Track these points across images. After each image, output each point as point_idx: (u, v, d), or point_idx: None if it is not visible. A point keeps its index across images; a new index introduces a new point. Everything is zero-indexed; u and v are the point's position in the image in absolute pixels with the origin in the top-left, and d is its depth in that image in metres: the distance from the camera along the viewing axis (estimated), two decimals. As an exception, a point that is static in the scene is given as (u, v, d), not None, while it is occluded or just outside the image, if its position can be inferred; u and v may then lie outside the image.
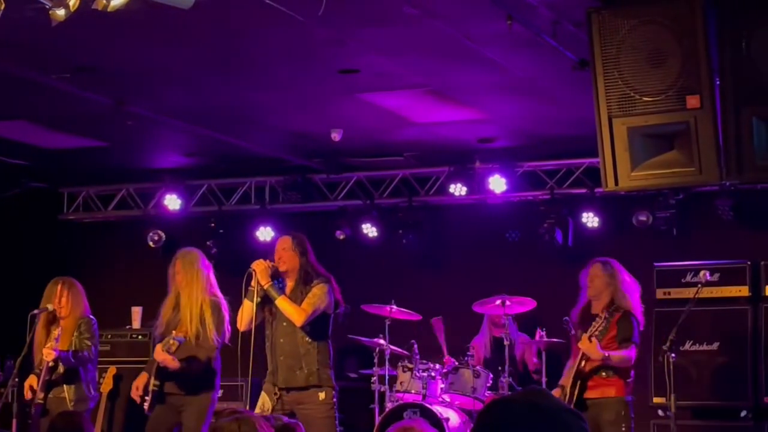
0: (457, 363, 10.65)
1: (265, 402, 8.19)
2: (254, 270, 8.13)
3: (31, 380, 8.90)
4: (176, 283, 8.65)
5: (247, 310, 8.13)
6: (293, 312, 8.06)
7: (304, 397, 8.13)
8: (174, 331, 8.34)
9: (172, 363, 8.31)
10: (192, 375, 8.44)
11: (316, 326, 8.16)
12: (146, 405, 8.45)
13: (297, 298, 8.13)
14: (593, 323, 8.60)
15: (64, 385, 8.87)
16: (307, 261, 8.27)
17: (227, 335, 8.57)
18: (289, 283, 8.24)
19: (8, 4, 5.90)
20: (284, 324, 8.16)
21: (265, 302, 8.20)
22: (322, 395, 8.14)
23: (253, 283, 8.12)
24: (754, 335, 10.46)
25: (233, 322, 8.39)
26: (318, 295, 8.13)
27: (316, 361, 8.13)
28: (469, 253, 12.65)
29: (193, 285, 8.58)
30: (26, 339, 8.61)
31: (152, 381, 8.42)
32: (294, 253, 8.24)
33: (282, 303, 8.09)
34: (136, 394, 8.59)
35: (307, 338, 8.13)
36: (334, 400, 8.20)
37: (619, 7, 6.75)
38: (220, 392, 8.80)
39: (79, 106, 10.00)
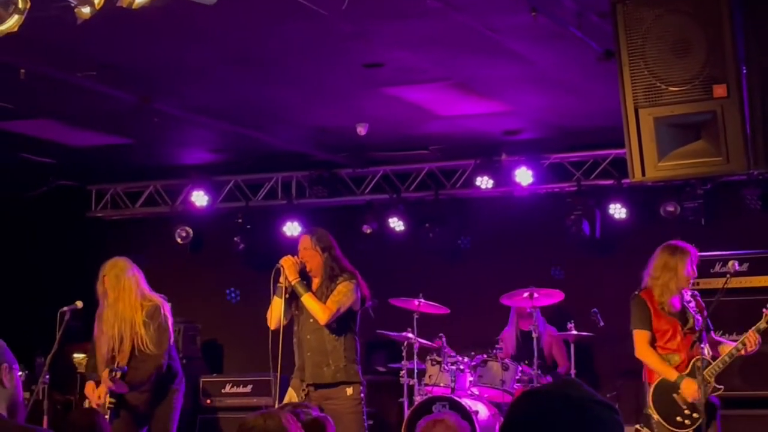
0: (485, 356, 10.64)
1: (292, 397, 8.17)
2: (282, 266, 8.11)
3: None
4: (107, 300, 8.44)
5: (276, 307, 8.11)
6: (318, 310, 8.03)
7: (332, 393, 8.11)
8: (117, 360, 8.20)
9: (121, 389, 8.18)
10: (145, 391, 8.32)
11: (342, 322, 8.14)
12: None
13: (323, 294, 8.10)
14: (686, 306, 8.11)
15: None
16: (330, 257, 8.19)
17: (172, 337, 8.50)
18: (315, 281, 8.21)
19: (34, 3, 5.93)
20: (311, 321, 8.13)
21: (293, 299, 8.19)
22: (350, 391, 8.12)
23: (281, 279, 8.10)
24: (784, 325, 10.40)
25: (269, 317, 8.25)
26: (343, 293, 8.09)
27: (343, 357, 8.11)
28: (496, 245, 12.64)
29: (121, 300, 8.36)
30: (56, 336, 8.63)
31: (107, 399, 8.28)
32: (315, 251, 8.18)
33: (308, 300, 8.06)
34: (97, 402, 8.47)
35: (333, 335, 8.11)
36: (362, 395, 8.18)
37: (644, -4, 6.72)
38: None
39: (105, 104, 10.05)
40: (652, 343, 8.06)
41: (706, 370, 7.90)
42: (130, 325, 8.27)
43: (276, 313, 8.09)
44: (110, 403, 8.24)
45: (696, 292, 8.26)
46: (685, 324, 8.03)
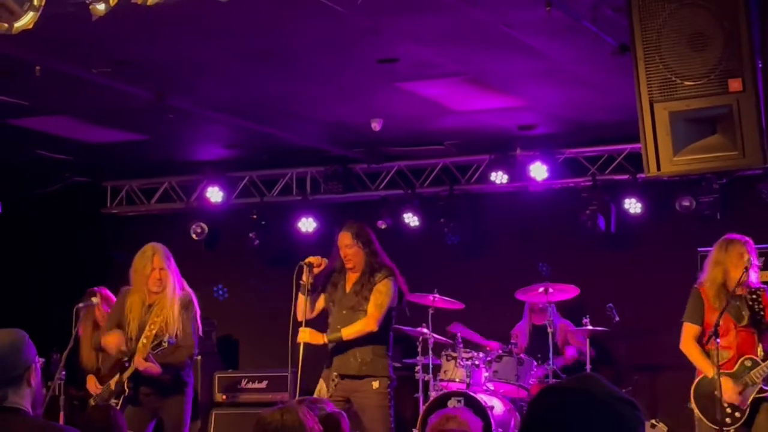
0: (501, 351, 10.64)
1: (322, 389, 8.25)
2: (309, 263, 8.15)
3: (94, 381, 8.78)
4: (152, 281, 8.35)
5: (301, 304, 8.21)
6: (363, 328, 8.10)
7: (358, 386, 8.18)
8: (166, 334, 8.15)
9: (155, 369, 8.13)
10: (172, 377, 8.33)
11: None
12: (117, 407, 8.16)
13: (362, 287, 8.17)
14: (735, 303, 7.91)
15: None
16: (372, 251, 8.25)
17: (200, 329, 8.52)
18: (354, 276, 8.25)
19: (49, 0, 5.94)
20: (344, 312, 8.20)
21: (325, 290, 8.29)
22: (376, 384, 8.15)
23: (303, 278, 8.15)
24: (802, 319, 10.36)
25: (298, 312, 8.29)
26: (384, 292, 8.16)
27: (370, 351, 8.16)
28: (511, 240, 12.62)
29: (169, 284, 8.35)
30: (72, 333, 8.65)
31: (126, 384, 8.29)
32: (358, 247, 8.23)
33: (348, 333, 8.11)
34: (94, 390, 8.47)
35: None
36: (389, 389, 8.21)
37: (659, -10, 6.69)
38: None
39: (120, 100, 10.06)
40: (699, 338, 7.95)
41: (754, 371, 7.79)
42: (171, 312, 8.29)
43: (301, 310, 8.18)
44: (128, 388, 8.27)
45: (765, 287, 8.07)
46: (740, 321, 7.91)
